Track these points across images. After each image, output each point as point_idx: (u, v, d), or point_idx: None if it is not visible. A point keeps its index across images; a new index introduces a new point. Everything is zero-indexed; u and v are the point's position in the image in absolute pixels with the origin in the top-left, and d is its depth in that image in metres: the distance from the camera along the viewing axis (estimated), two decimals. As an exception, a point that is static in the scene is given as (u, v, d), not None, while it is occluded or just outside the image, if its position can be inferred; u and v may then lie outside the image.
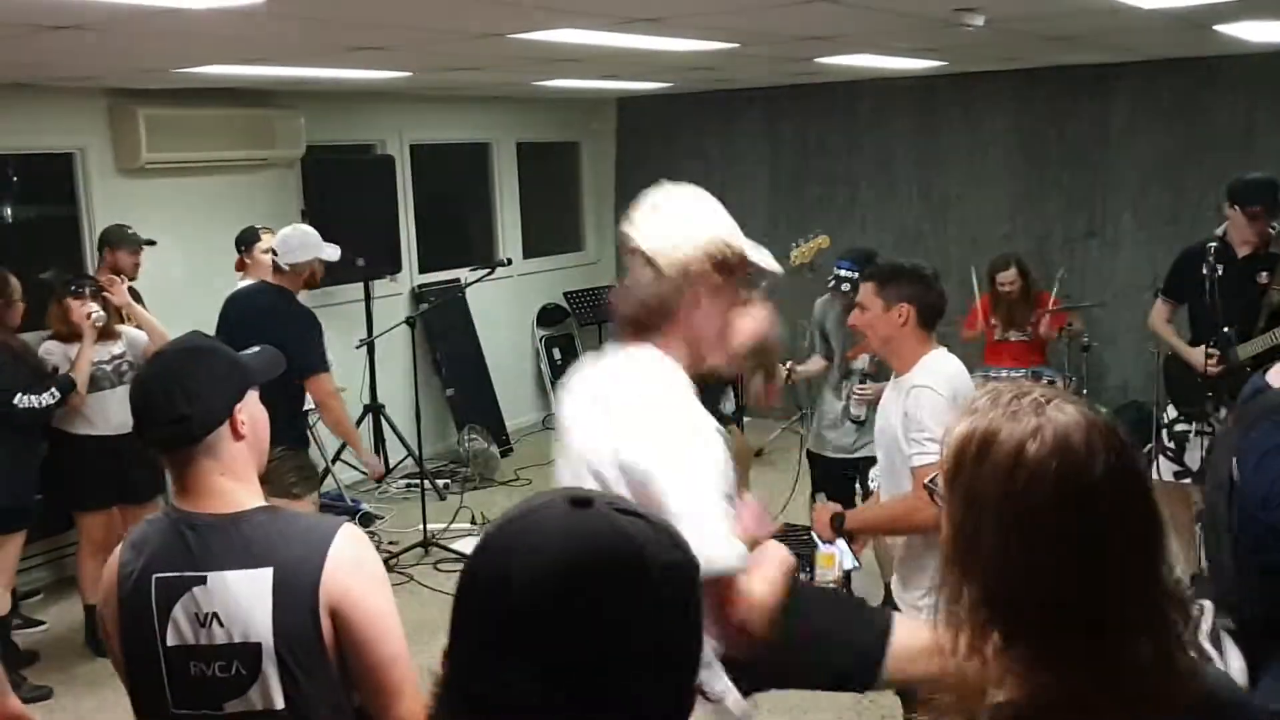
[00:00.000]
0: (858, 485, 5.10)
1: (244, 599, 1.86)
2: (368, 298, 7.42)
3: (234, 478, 1.94)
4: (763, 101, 8.82)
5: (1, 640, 4.94)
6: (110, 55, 4.89)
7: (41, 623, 5.68)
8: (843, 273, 5.24)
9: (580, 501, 0.91)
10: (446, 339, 8.38)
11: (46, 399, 4.84)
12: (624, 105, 9.55)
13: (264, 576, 1.85)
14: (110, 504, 5.22)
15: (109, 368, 5.19)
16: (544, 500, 0.94)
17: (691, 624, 0.92)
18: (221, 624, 1.86)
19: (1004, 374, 6.77)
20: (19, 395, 4.76)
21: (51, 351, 5.08)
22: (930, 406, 3.04)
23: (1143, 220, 7.74)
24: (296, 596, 1.86)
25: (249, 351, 2.09)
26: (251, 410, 1.98)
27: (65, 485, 5.20)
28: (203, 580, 1.87)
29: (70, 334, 5.08)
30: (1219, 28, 5.42)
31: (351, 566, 1.90)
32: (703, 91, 8.81)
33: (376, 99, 7.75)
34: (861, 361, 5.13)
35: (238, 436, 1.94)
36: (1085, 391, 6.65)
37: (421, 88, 7.43)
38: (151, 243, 5.88)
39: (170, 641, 1.88)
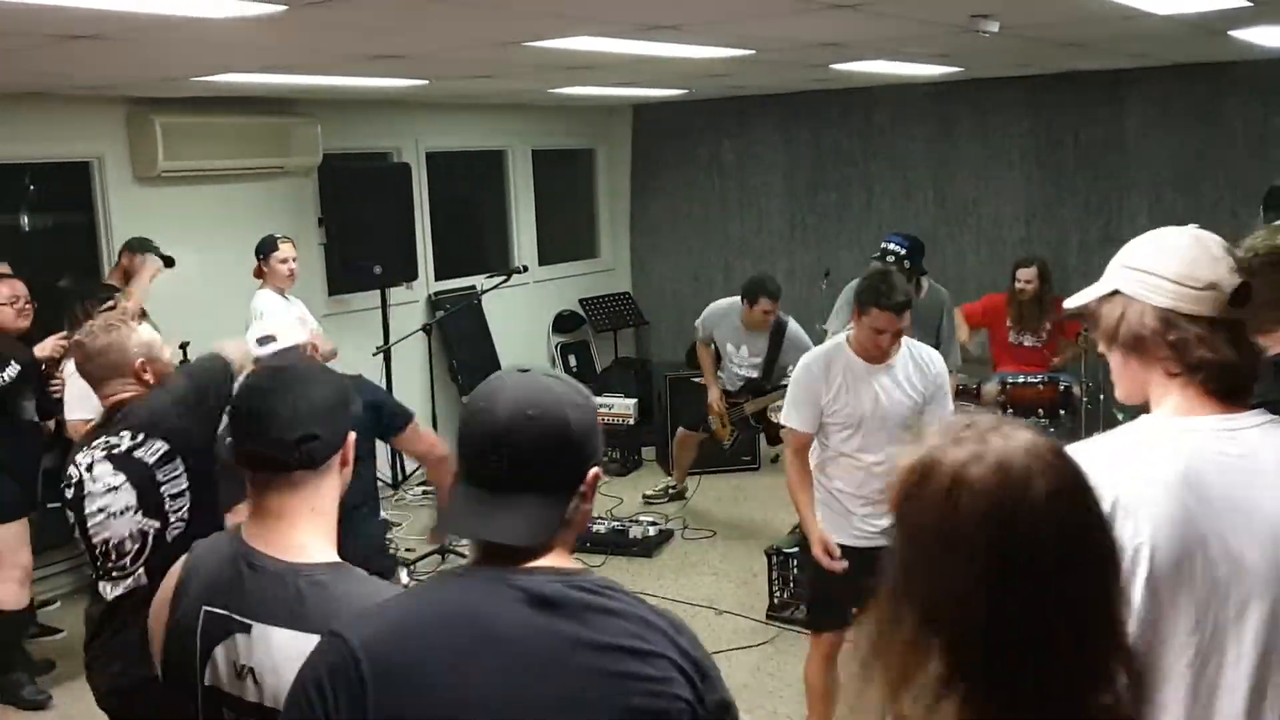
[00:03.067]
0: None
1: (284, 663, 1.69)
2: (384, 305, 7.44)
3: (319, 515, 1.85)
4: (778, 108, 8.82)
5: (15, 641, 4.96)
6: (129, 64, 4.91)
7: (59, 630, 5.70)
8: (892, 246, 5.57)
9: (523, 370, 1.58)
10: (462, 346, 8.40)
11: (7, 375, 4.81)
12: (640, 112, 9.56)
13: (308, 643, 1.63)
14: None
15: None
16: (502, 372, 1.60)
17: (587, 436, 1.56)
18: (256, 681, 1.74)
19: (1020, 379, 6.76)
20: (25, 403, 4.81)
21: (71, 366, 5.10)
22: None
23: (1158, 225, 7.67)
24: None
25: None
26: (351, 444, 1.93)
27: None
28: (247, 629, 1.76)
29: None
30: (1233, 33, 5.40)
31: None
32: (719, 98, 8.81)
33: (393, 107, 7.78)
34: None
35: (344, 464, 1.89)
36: (1103, 398, 6.62)
37: (438, 95, 7.45)
38: (171, 263, 5.88)
39: (207, 681, 1.79)
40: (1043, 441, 1.20)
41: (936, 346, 4.64)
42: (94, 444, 2.87)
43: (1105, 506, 1.38)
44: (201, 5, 3.42)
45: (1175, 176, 7.60)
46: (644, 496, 7.45)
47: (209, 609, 1.79)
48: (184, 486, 2.84)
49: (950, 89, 8.02)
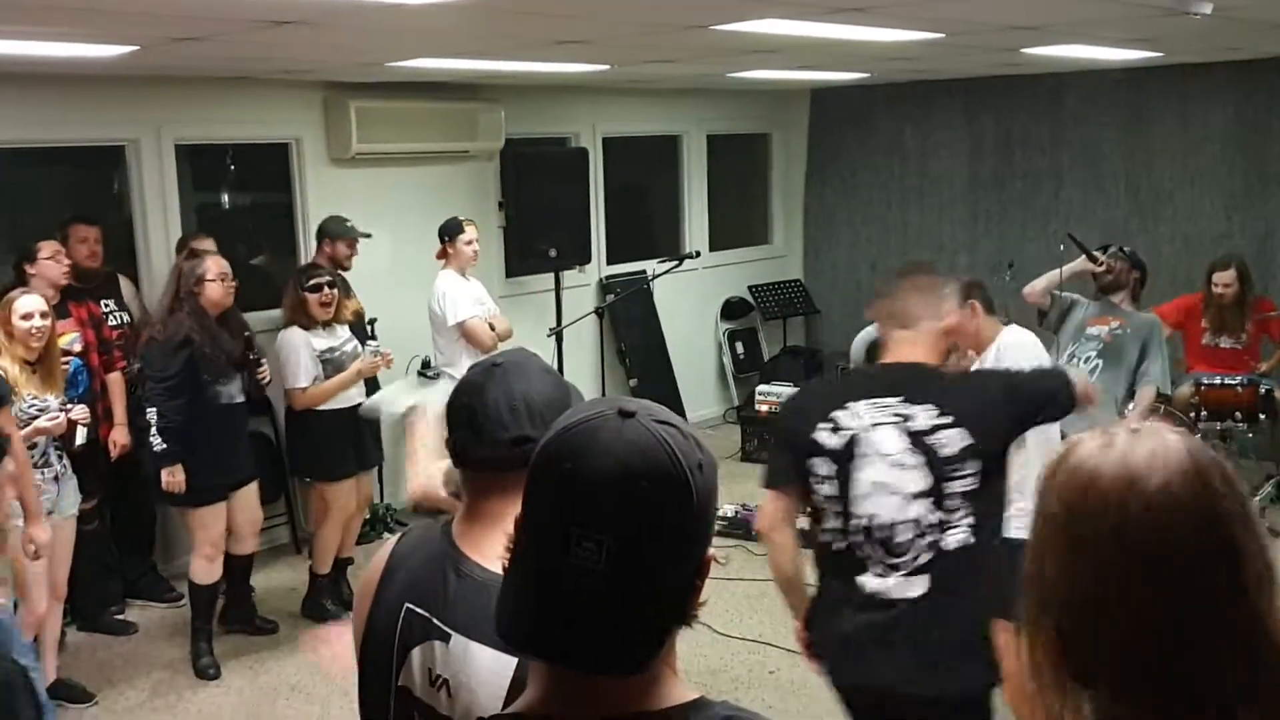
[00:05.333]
0: None
1: (479, 681, 1.59)
2: (558, 287, 7.54)
3: None
4: (963, 93, 8.57)
5: (206, 607, 5.19)
6: (330, 49, 5.10)
7: (251, 589, 5.99)
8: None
9: (626, 413, 1.16)
10: (632, 330, 8.46)
11: (237, 396, 5.15)
12: (817, 97, 9.43)
13: (508, 666, 1.54)
14: (353, 473, 5.58)
15: (349, 348, 5.52)
16: (597, 410, 1.19)
17: (708, 512, 1.17)
18: (450, 694, 1.63)
19: (1217, 381, 6.42)
20: (215, 388, 5.03)
21: (293, 340, 5.37)
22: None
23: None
24: None
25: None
26: None
27: (312, 459, 5.54)
28: (446, 638, 1.65)
29: (311, 323, 5.39)
30: None
31: None
32: (900, 82, 8.62)
33: (572, 92, 7.87)
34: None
35: None
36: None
37: (616, 80, 7.51)
38: (367, 235, 6.14)
39: (401, 681, 1.71)
40: (1180, 441, 1.15)
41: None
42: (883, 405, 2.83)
43: None
44: (403, -9, 3.51)
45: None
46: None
47: (411, 607, 1.70)
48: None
49: (1146, 74, 7.65)
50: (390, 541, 1.81)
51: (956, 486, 2.73)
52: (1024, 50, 6.17)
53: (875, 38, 5.18)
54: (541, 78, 6.92)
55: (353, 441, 5.57)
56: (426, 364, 6.66)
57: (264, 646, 5.37)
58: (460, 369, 5.83)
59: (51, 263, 5.09)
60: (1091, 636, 1.12)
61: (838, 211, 9.53)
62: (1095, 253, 5.47)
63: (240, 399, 5.20)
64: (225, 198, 7.29)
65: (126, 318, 5.64)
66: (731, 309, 9.39)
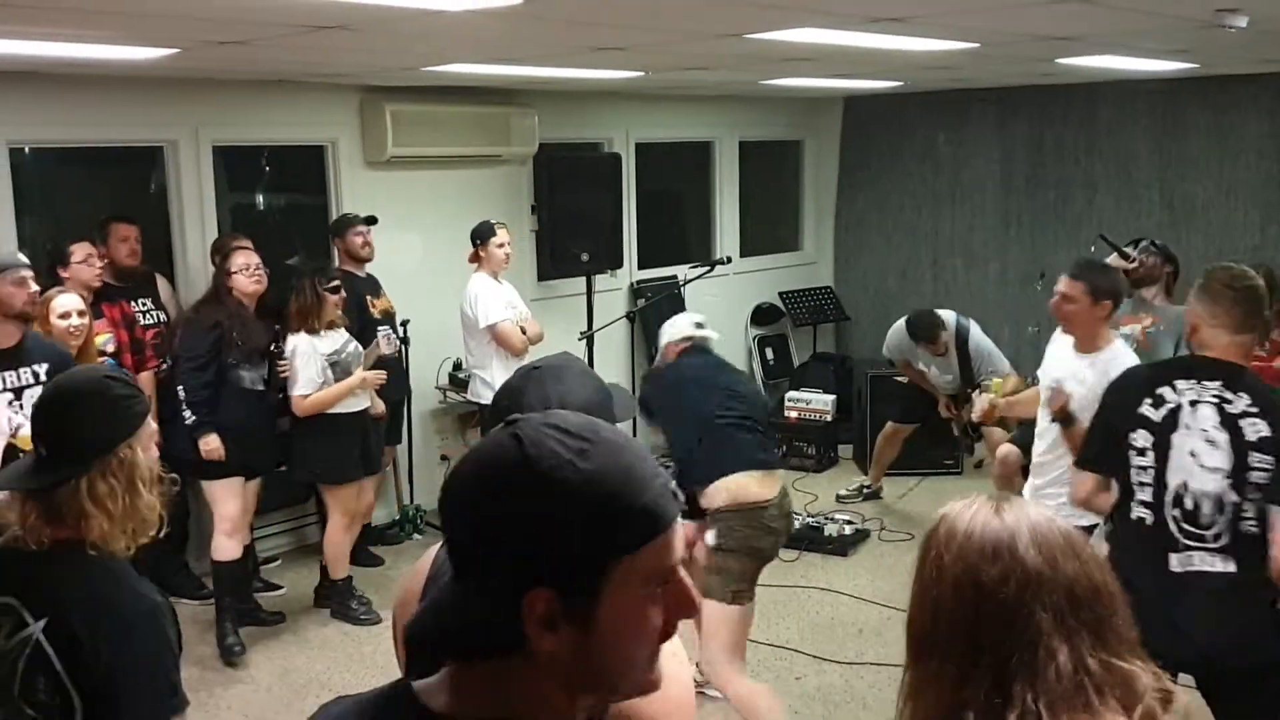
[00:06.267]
0: None
1: None
2: (589, 291, 7.57)
3: None
4: (996, 101, 8.55)
5: (229, 584, 5.34)
6: (368, 54, 5.14)
7: (279, 586, 6.05)
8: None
9: (510, 421, 1.15)
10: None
11: (258, 383, 5.34)
12: (850, 104, 9.42)
13: None
14: (360, 476, 5.58)
15: (351, 349, 5.52)
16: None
17: (562, 522, 1.08)
18: None
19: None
20: (238, 372, 5.23)
21: (304, 348, 5.33)
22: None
23: None
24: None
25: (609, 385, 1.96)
26: None
27: (317, 461, 5.54)
28: None
29: (320, 327, 5.38)
30: None
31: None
32: (933, 90, 8.61)
33: (606, 98, 7.90)
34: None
35: None
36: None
37: (650, 87, 7.53)
38: (373, 220, 6.18)
39: None
40: (1032, 523, 1.50)
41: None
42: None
43: None
44: (443, -1, 3.55)
45: None
46: (837, 496, 7.38)
47: None
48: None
49: (1181, 85, 7.61)
50: (434, 548, 1.83)
51: (1255, 476, 2.99)
52: (1058, 60, 6.15)
53: (912, 47, 5.18)
54: (576, 83, 6.95)
55: (360, 446, 5.55)
56: (458, 365, 6.71)
57: (294, 644, 5.42)
58: (491, 371, 5.89)
59: (84, 266, 5.15)
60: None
61: (868, 219, 9.51)
62: (1126, 249, 5.47)
63: (262, 387, 5.35)
64: (261, 199, 7.36)
65: (163, 316, 5.71)
66: (762, 315, 9.39)
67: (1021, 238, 8.72)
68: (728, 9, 3.97)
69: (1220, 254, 7.74)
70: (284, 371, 5.36)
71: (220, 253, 5.60)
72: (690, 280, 7.49)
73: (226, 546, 5.26)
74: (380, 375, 5.58)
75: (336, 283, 5.49)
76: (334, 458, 5.49)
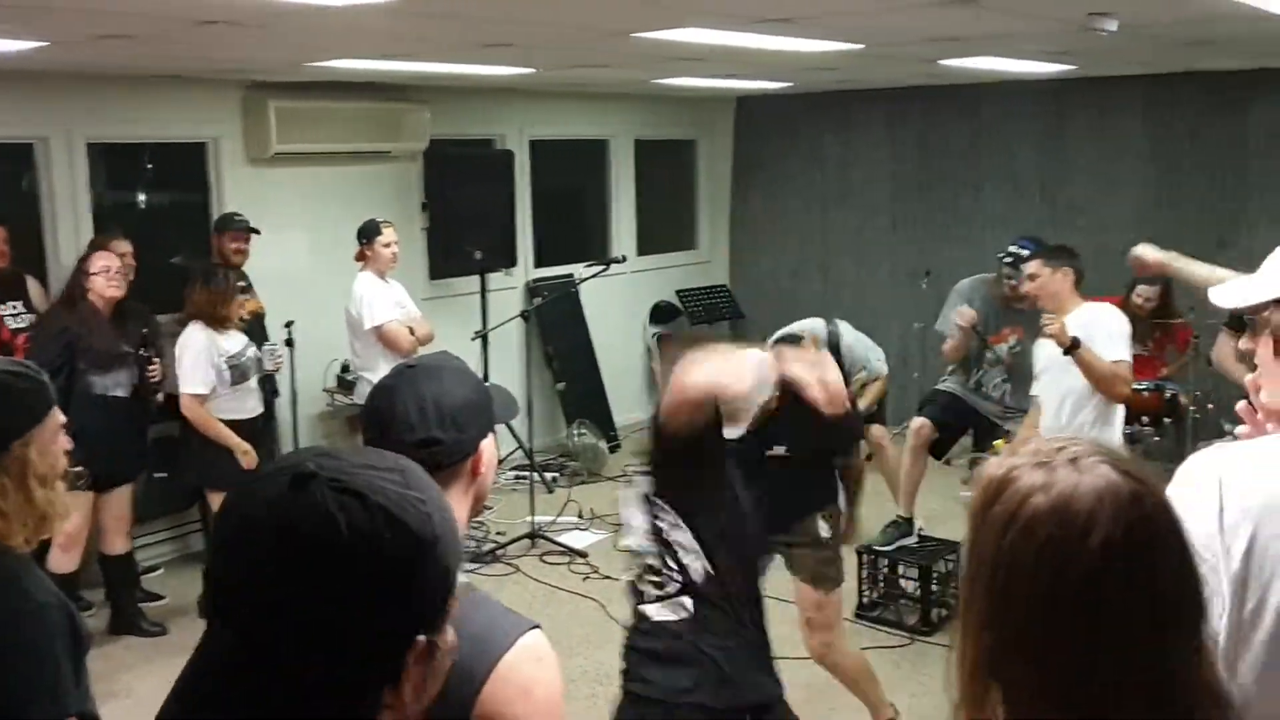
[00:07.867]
0: None
1: None
2: (483, 290, 7.51)
3: None
4: (884, 102, 8.69)
5: (127, 585, 5.26)
6: (253, 49, 5.02)
7: (161, 596, 5.87)
8: (1012, 249, 5.92)
9: (300, 480, 1.00)
10: (559, 334, 8.44)
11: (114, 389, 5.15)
12: (743, 104, 9.49)
13: None
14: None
15: (250, 353, 5.35)
16: (269, 473, 1.04)
17: (386, 597, 1.00)
18: None
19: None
20: (88, 378, 5.07)
21: (192, 342, 5.16)
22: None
23: (1281, 233, 7.43)
24: (448, 710, 1.42)
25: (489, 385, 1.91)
26: (490, 452, 1.78)
27: (201, 467, 5.33)
28: None
29: (219, 324, 5.21)
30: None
31: (518, 691, 1.57)
32: (823, 91, 8.71)
33: (499, 94, 7.83)
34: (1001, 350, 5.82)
35: (475, 474, 1.75)
36: (1211, 407, 6.41)
37: (543, 84, 7.49)
38: (255, 231, 6.02)
39: None
40: (1122, 483, 1.13)
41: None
42: None
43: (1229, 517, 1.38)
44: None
45: (1300, 182, 7.33)
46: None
47: None
48: None
49: (1063, 86, 7.81)
50: None
51: None
52: (943, 62, 6.27)
53: (798, 48, 5.23)
54: (468, 80, 6.88)
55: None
56: (345, 368, 6.59)
57: (178, 656, 5.21)
58: (377, 373, 5.76)
59: None
60: (1013, 654, 1.14)
61: (762, 218, 9.60)
62: (1005, 272, 5.70)
63: (122, 393, 5.17)
64: (141, 197, 7.14)
65: (34, 319, 5.50)
66: (660, 313, 9.40)
67: (910, 236, 8.88)
68: (614, 8, 3.96)
69: (1101, 251, 7.98)
70: (154, 375, 5.17)
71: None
72: (585, 279, 7.47)
73: (59, 559, 5.02)
74: (253, 458, 5.21)
75: (247, 283, 5.34)
76: (220, 463, 5.32)
